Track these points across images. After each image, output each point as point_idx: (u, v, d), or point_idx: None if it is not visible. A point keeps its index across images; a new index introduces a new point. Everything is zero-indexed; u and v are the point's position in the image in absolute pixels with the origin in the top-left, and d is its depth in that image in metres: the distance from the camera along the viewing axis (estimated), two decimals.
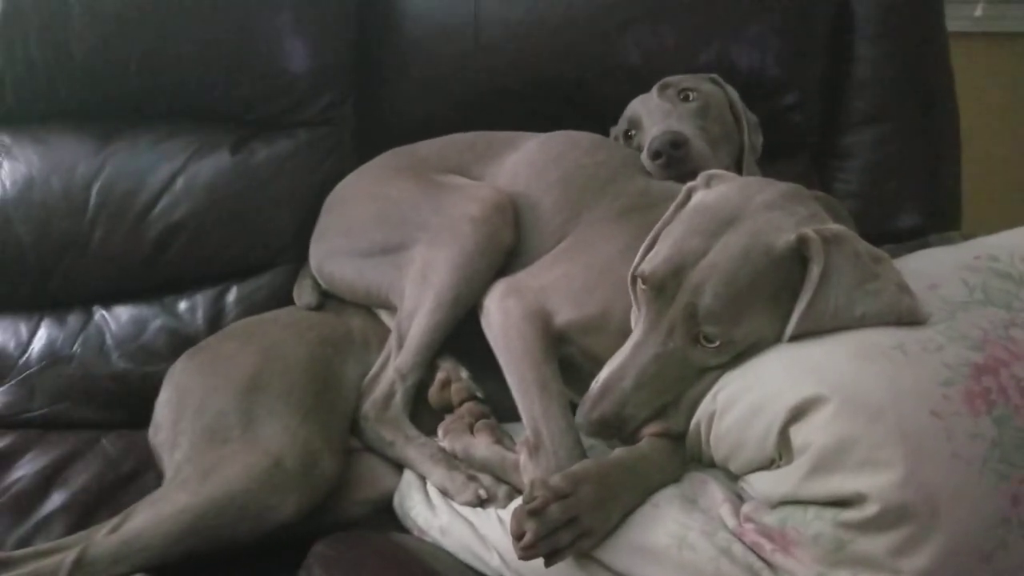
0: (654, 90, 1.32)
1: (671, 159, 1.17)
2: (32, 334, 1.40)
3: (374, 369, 1.17)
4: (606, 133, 1.37)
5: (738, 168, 1.28)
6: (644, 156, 1.22)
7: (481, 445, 1.05)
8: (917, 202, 1.56)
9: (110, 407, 1.35)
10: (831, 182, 1.58)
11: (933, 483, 0.72)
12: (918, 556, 0.71)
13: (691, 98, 1.28)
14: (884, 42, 1.55)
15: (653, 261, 0.89)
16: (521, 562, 0.86)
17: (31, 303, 1.42)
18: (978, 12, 2.13)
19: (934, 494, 0.72)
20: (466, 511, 1.00)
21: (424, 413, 1.14)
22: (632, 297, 0.95)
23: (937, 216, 1.55)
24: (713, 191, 0.93)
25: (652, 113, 1.28)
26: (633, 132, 1.31)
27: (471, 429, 1.07)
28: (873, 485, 0.72)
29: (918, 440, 0.73)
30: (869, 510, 0.72)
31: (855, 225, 0.94)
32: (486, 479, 1.02)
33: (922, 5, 1.58)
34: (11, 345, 1.39)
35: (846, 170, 1.58)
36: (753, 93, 1.45)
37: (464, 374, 1.12)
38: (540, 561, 0.83)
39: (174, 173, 1.40)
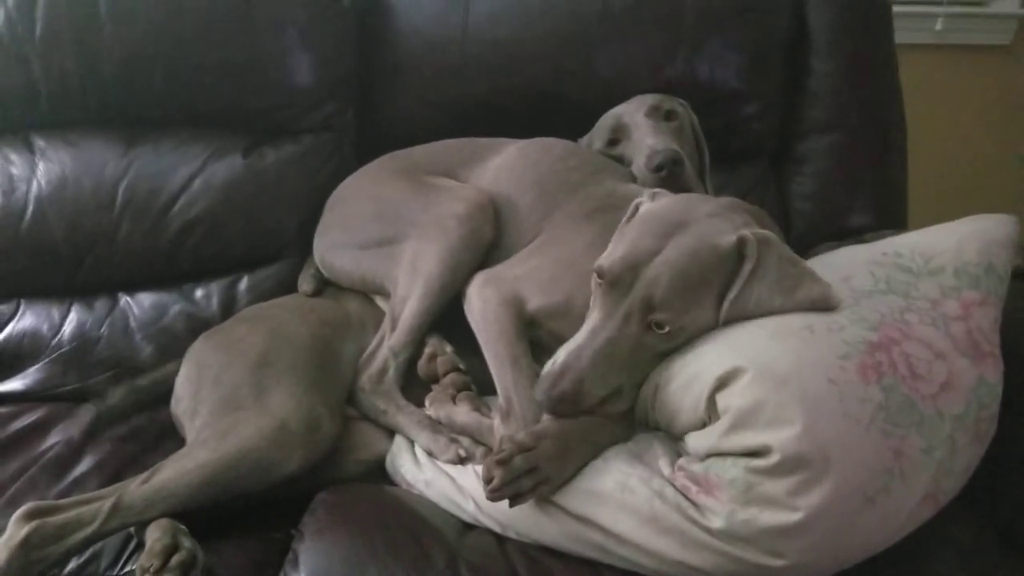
0: (638, 105, 1.39)
1: (671, 174, 1.26)
2: (63, 318, 1.49)
3: (370, 348, 1.26)
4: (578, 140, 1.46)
5: (702, 180, 1.38)
6: (640, 166, 1.30)
7: (462, 412, 1.14)
8: (866, 203, 1.63)
9: None
10: (788, 185, 1.67)
11: (826, 437, 0.85)
12: (811, 496, 0.84)
13: (671, 118, 1.37)
14: (837, 57, 1.62)
15: (610, 258, 0.98)
16: (491, 506, 0.98)
17: (63, 290, 1.50)
18: (938, 26, 2.22)
19: (826, 446, 0.85)
20: (448, 468, 1.09)
21: (413, 387, 1.22)
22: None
23: (884, 216, 1.62)
24: (659, 203, 1.04)
25: (640, 127, 1.36)
26: (618, 141, 1.39)
27: (453, 400, 1.16)
28: (777, 438, 0.85)
29: (815, 402, 0.86)
30: (773, 459, 0.85)
31: (779, 231, 1.06)
32: (465, 441, 1.11)
33: (872, 23, 1.65)
34: (44, 328, 1.48)
35: (802, 174, 1.65)
36: (716, 104, 1.55)
37: (448, 349, 1.21)
38: (506, 503, 0.94)
39: (192, 174, 1.49)
